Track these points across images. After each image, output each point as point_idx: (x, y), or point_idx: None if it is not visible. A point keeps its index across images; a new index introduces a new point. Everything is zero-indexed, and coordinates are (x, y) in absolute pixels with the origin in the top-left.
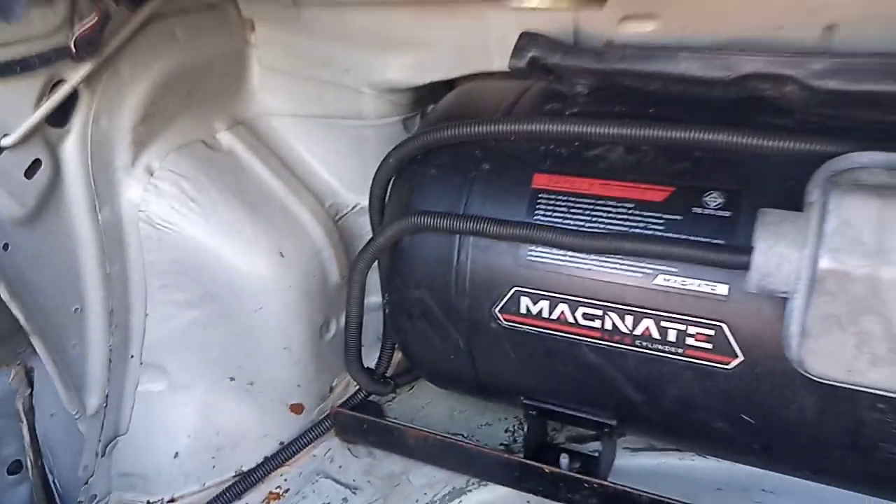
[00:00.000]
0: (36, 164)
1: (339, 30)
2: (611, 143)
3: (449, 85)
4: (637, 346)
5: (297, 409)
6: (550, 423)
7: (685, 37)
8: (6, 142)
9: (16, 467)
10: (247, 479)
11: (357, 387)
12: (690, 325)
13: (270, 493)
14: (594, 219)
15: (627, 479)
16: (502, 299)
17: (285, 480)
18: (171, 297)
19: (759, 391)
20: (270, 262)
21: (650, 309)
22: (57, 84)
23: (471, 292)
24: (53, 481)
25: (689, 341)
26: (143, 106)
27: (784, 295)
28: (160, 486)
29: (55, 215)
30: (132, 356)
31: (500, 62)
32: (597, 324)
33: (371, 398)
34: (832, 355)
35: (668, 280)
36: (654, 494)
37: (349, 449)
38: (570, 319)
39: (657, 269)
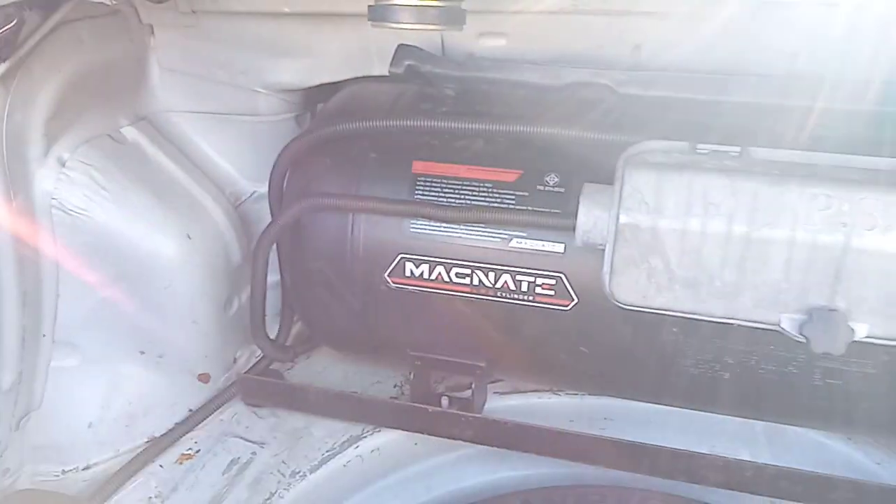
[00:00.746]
0: None
1: (235, 36)
2: (473, 135)
3: (335, 86)
4: (498, 297)
5: (204, 378)
6: (433, 375)
7: (527, 51)
8: None
9: None
10: (159, 444)
11: (258, 358)
12: (538, 277)
13: (182, 454)
14: (462, 196)
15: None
16: (390, 265)
17: (195, 443)
18: (83, 277)
19: (590, 326)
20: (178, 244)
21: (507, 266)
22: None
23: (363, 261)
24: None
25: (538, 290)
26: (54, 102)
27: (601, 247)
28: (75, 455)
29: None
30: (44, 335)
31: (381, 68)
32: (467, 280)
33: (272, 366)
34: (631, 286)
35: (520, 243)
36: (517, 421)
37: (254, 412)
38: (446, 279)
39: (511, 234)
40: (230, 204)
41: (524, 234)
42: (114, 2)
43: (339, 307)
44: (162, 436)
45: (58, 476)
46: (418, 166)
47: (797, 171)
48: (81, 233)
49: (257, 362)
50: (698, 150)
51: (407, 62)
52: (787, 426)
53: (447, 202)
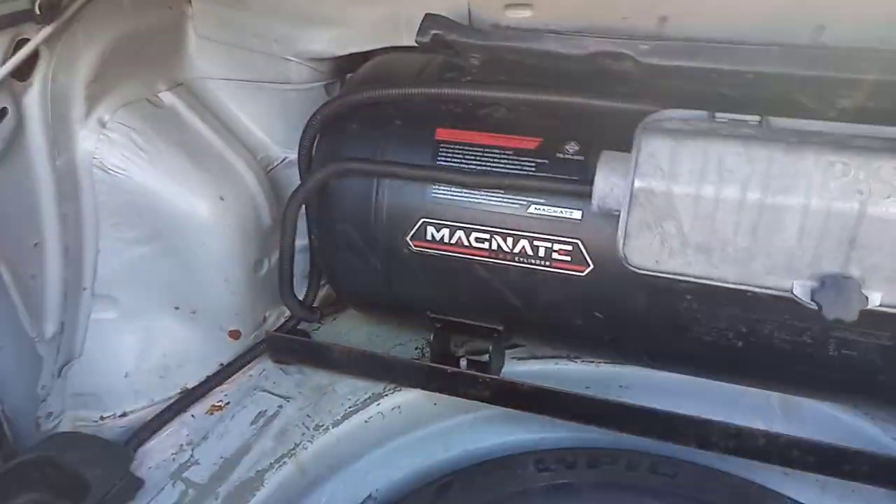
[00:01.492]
0: (3, 111)
1: (269, 6)
2: (496, 104)
3: (365, 56)
4: (516, 262)
5: (234, 334)
6: (452, 339)
7: (552, 22)
8: None
9: None
10: (191, 395)
11: (287, 318)
12: (555, 243)
13: (213, 405)
14: (483, 163)
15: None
16: (412, 229)
17: (225, 395)
18: (121, 234)
19: (605, 291)
20: (212, 205)
21: (525, 231)
22: (20, 42)
23: (387, 224)
24: (2, 409)
25: (555, 255)
26: (95, 66)
27: (617, 213)
28: (112, 403)
29: (18, 159)
30: (85, 288)
31: (409, 39)
32: (486, 245)
33: (300, 326)
34: (645, 250)
35: (539, 209)
36: (533, 384)
37: (281, 369)
38: (466, 243)
39: (530, 201)
40: (262, 169)
41: (542, 201)
42: None
43: (364, 269)
44: (194, 387)
45: (96, 422)
46: (442, 133)
47: (814, 139)
48: (120, 192)
49: (285, 322)
50: (717, 119)
51: (433, 31)
52: (803, 400)
53: (469, 168)
